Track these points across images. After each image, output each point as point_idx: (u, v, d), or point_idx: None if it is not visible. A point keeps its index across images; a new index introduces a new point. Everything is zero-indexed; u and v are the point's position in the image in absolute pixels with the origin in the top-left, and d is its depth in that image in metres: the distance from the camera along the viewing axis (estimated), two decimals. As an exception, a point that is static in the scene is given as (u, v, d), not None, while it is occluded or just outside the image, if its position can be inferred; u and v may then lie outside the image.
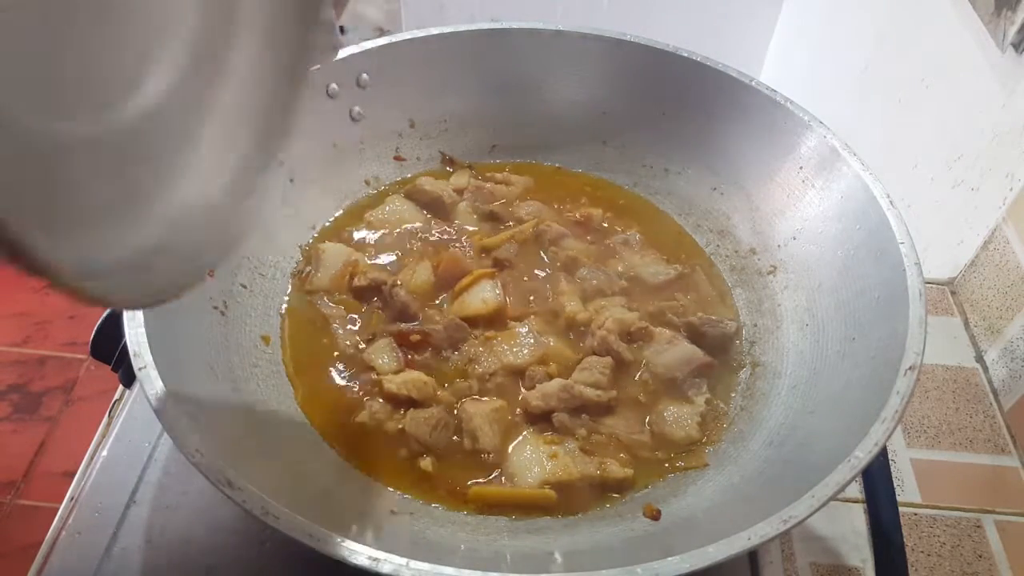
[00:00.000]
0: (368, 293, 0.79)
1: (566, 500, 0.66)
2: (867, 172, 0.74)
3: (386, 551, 0.49)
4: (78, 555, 0.67)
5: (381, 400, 0.71)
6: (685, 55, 0.86)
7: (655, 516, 0.63)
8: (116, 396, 0.82)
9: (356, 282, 0.79)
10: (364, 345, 0.75)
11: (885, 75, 1.21)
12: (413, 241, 0.86)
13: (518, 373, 0.74)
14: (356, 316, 0.78)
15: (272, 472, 0.61)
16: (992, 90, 0.92)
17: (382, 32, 1.33)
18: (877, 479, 0.73)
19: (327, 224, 0.86)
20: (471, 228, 0.88)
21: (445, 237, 0.86)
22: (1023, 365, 0.81)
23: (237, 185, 0.51)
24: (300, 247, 0.83)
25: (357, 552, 0.49)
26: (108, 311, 0.78)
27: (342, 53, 0.84)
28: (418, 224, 0.87)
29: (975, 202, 0.93)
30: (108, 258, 0.41)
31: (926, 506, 0.75)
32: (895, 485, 0.74)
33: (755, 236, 0.84)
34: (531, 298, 0.80)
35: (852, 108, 1.29)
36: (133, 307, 0.57)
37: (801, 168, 0.80)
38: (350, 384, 0.73)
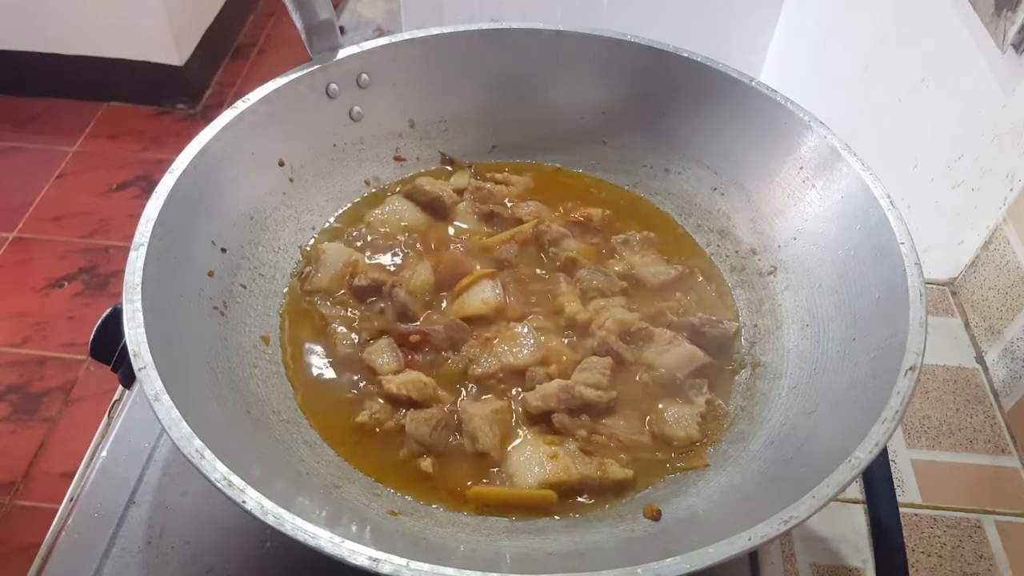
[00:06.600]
0: (368, 293, 0.79)
1: (566, 501, 0.65)
2: (867, 172, 0.74)
3: (386, 551, 0.49)
4: (78, 555, 0.67)
5: (381, 400, 0.71)
6: (685, 55, 0.86)
7: (655, 516, 0.63)
8: (116, 397, 0.82)
9: (356, 282, 0.79)
10: (364, 345, 0.75)
11: (885, 75, 1.21)
12: (413, 241, 0.85)
13: (518, 374, 0.74)
14: (356, 316, 0.78)
15: (272, 472, 0.61)
16: (992, 90, 0.92)
17: (382, 32, 1.33)
18: (877, 479, 0.73)
19: (327, 224, 0.86)
20: (471, 228, 0.87)
21: (445, 237, 0.86)
22: (1023, 366, 0.81)
23: None
24: (300, 247, 0.83)
25: (357, 552, 0.49)
26: (107, 312, 0.78)
27: (342, 53, 0.84)
28: (418, 224, 0.87)
29: (975, 202, 0.93)
30: None
31: (926, 507, 0.75)
32: (895, 485, 0.74)
33: (755, 236, 0.84)
34: (531, 298, 0.80)
35: (852, 108, 1.29)
36: None
37: (801, 168, 0.80)
38: (350, 384, 0.73)
